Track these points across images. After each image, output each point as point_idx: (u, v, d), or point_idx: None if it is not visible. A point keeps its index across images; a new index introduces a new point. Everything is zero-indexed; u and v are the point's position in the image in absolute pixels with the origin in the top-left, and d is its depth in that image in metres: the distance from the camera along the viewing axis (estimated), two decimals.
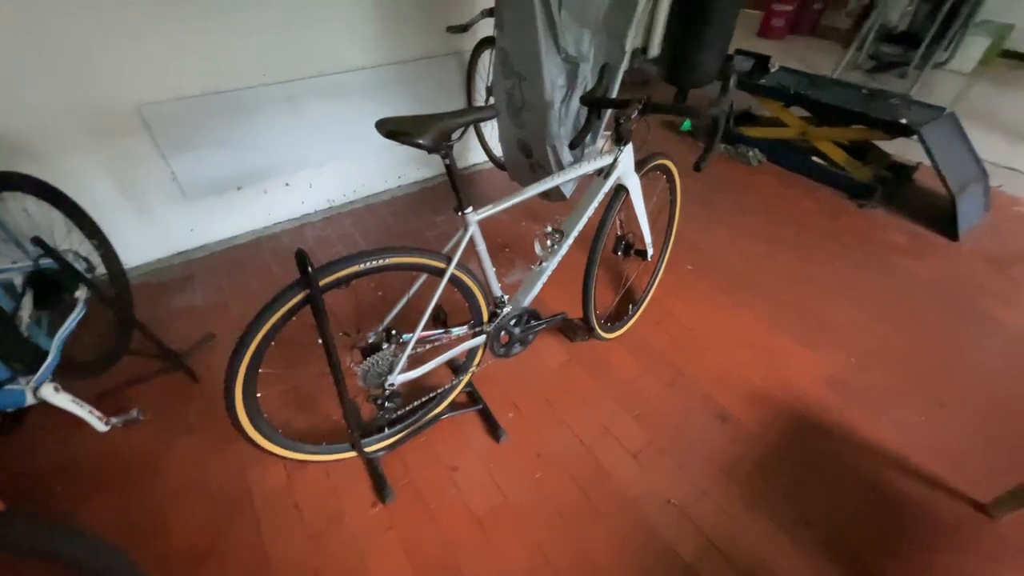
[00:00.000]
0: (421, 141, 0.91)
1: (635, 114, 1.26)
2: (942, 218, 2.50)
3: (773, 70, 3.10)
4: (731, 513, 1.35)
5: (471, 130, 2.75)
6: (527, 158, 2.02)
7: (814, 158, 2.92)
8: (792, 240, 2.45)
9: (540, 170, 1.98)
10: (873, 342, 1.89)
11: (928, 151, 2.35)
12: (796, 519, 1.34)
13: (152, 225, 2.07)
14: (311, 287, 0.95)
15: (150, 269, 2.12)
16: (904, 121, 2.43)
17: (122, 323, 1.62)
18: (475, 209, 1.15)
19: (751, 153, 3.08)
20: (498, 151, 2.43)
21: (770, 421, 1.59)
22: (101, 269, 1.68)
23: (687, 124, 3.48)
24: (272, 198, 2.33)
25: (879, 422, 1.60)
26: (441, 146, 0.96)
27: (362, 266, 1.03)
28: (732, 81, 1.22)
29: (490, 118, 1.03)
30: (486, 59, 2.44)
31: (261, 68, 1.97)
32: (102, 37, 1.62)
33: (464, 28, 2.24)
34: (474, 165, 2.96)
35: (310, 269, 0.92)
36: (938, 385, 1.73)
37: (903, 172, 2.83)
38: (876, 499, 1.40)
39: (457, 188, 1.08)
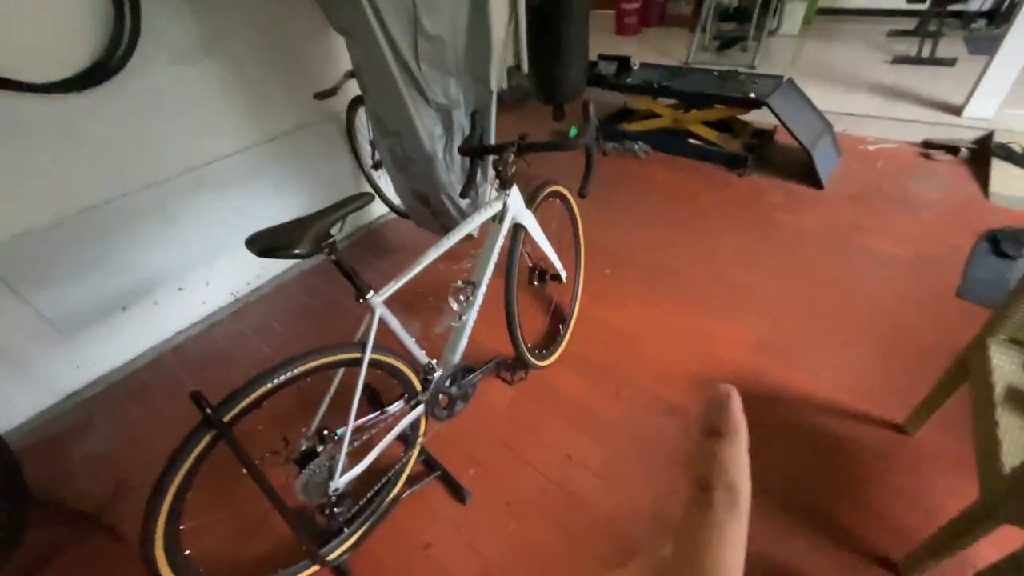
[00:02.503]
0: (298, 251, 0.88)
1: (511, 158, 1.30)
2: (806, 171, 2.80)
3: (635, 68, 3.34)
4: None
5: (366, 185, 2.71)
6: (425, 207, 2.02)
7: (690, 140, 3.17)
8: (690, 220, 2.63)
9: (441, 215, 1.99)
10: (778, 300, 2.06)
11: (778, 117, 2.63)
12: (757, 491, 1.39)
13: (29, 375, 1.82)
14: (217, 427, 0.88)
15: (38, 423, 1.87)
16: (753, 95, 2.71)
17: (14, 502, 1.41)
18: (376, 291, 1.12)
19: (636, 146, 3.28)
20: (398, 200, 2.42)
21: None
22: None
23: (574, 131, 3.65)
24: (166, 308, 2.14)
25: (802, 373, 1.75)
26: (321, 247, 0.93)
27: (269, 385, 0.97)
28: (592, 111, 1.30)
29: (366, 204, 1.02)
30: (363, 116, 2.41)
31: (116, 180, 1.81)
32: None
33: (332, 92, 2.21)
34: (379, 218, 2.91)
35: (208, 411, 0.85)
36: (840, 325, 1.92)
37: (765, 136, 3.15)
38: (817, 447, 1.52)
39: (351, 277, 1.05)
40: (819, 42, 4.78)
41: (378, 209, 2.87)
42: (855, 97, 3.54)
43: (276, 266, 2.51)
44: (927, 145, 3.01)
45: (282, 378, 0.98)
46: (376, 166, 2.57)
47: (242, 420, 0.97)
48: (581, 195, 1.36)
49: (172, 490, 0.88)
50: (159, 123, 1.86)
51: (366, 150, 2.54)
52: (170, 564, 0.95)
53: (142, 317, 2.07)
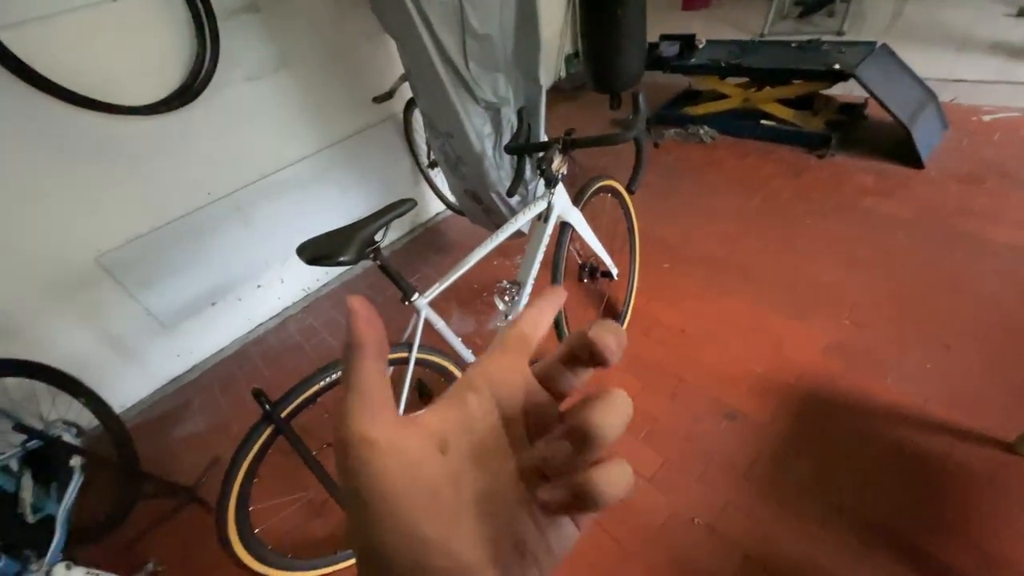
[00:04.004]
0: (343, 259, 0.92)
1: (555, 156, 1.27)
2: (904, 148, 2.47)
3: (700, 46, 3.13)
4: (759, 518, 1.31)
5: (424, 183, 2.79)
6: (478, 205, 2.04)
7: (763, 121, 2.92)
8: (761, 210, 2.43)
9: (493, 214, 2.00)
10: (863, 296, 1.86)
11: (868, 90, 2.34)
12: (826, 508, 1.30)
13: (139, 363, 2.10)
14: (276, 423, 0.95)
15: (147, 405, 2.14)
16: (837, 67, 2.43)
17: (127, 475, 1.64)
18: (423, 292, 1.16)
19: (702, 131, 3.08)
20: (454, 198, 2.46)
21: (778, 409, 1.56)
22: (95, 422, 1.71)
23: None
24: (248, 303, 2.36)
25: (887, 380, 1.56)
26: (365, 254, 0.97)
27: (322, 383, 1.03)
28: (641, 102, 1.23)
29: (408, 210, 1.04)
30: (419, 116, 2.47)
31: (204, 189, 2.01)
32: (42, 208, 1.67)
33: (389, 95, 2.29)
34: (437, 215, 2.99)
35: (267, 407, 0.92)
36: (939, 325, 1.69)
37: (854, 111, 2.82)
38: (902, 464, 1.36)
39: (396, 281, 1.09)
40: None
41: (436, 206, 2.95)
42: (969, 60, 3.06)
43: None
44: None
45: (334, 376, 1.04)
46: (432, 165, 2.63)
47: (300, 414, 1.04)
48: (630, 191, 1.31)
49: (239, 477, 0.98)
50: (237, 135, 2.03)
51: (423, 149, 2.61)
52: (242, 541, 1.05)
53: (229, 311, 2.30)
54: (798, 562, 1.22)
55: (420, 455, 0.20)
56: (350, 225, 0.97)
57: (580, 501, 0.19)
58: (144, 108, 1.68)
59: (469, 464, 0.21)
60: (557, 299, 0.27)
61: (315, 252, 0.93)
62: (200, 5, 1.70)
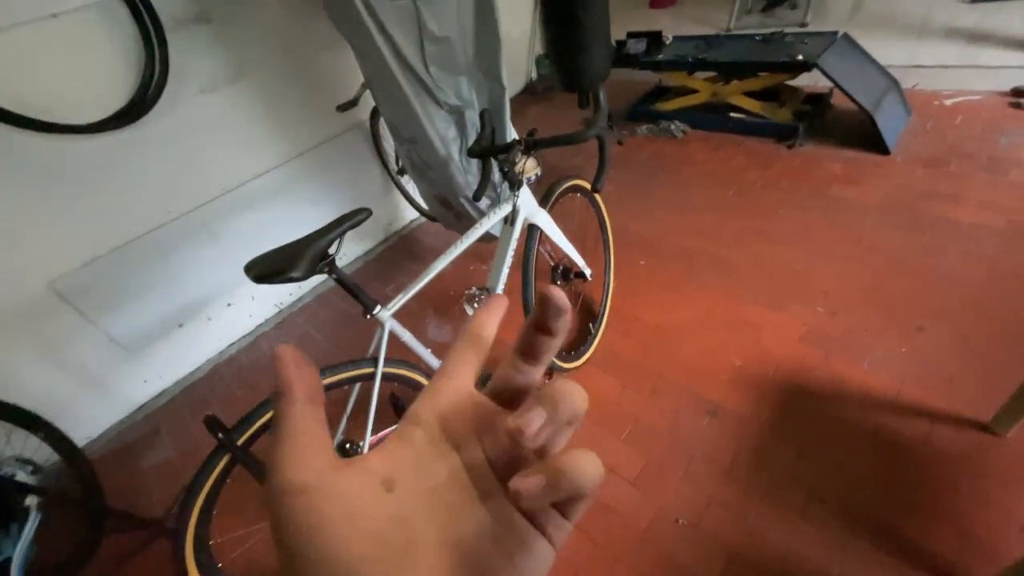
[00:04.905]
0: (294, 275, 0.88)
1: (518, 157, 1.24)
2: (869, 135, 2.51)
3: (667, 43, 3.14)
4: (743, 512, 1.30)
5: (395, 191, 2.75)
6: (449, 210, 2.00)
7: (732, 114, 2.94)
8: (734, 202, 2.44)
9: (464, 218, 1.97)
10: (836, 283, 1.86)
11: (831, 79, 2.37)
12: (808, 498, 1.29)
13: (103, 391, 2.01)
14: (231, 451, 0.90)
15: (113, 435, 2.05)
16: (800, 57, 2.45)
17: (91, 511, 1.56)
18: (384, 305, 1.12)
19: (673, 126, 3.09)
20: (426, 205, 2.42)
21: (758, 400, 1.55)
22: (56, 457, 1.62)
23: None
24: (218, 323, 2.28)
25: (862, 365, 1.57)
26: (318, 268, 0.93)
27: None
28: (602, 99, 1.21)
29: (363, 220, 1.00)
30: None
31: (163, 207, 1.94)
32: None
33: (353, 103, 2.24)
34: (411, 222, 2.94)
35: (220, 436, 0.87)
36: (911, 308, 1.71)
37: (820, 101, 2.85)
38: (881, 449, 1.35)
39: (356, 295, 1.04)
40: None
41: (410, 214, 2.90)
42: (928, 47, 3.12)
43: (314, 277, 2.60)
44: (1017, 93, 2.60)
45: None
46: (402, 172, 2.59)
47: (259, 440, 0.99)
48: (595, 189, 1.28)
49: (195, 511, 0.92)
50: (196, 149, 1.96)
51: (392, 156, 2.57)
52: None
53: (198, 333, 2.22)
54: (782, 555, 1.20)
55: (362, 498, 0.19)
56: (301, 239, 0.93)
57: (556, 485, 0.18)
58: (89, 127, 1.60)
59: (420, 500, 0.20)
60: (499, 308, 0.27)
61: (263, 269, 0.88)
62: (147, 17, 1.64)
